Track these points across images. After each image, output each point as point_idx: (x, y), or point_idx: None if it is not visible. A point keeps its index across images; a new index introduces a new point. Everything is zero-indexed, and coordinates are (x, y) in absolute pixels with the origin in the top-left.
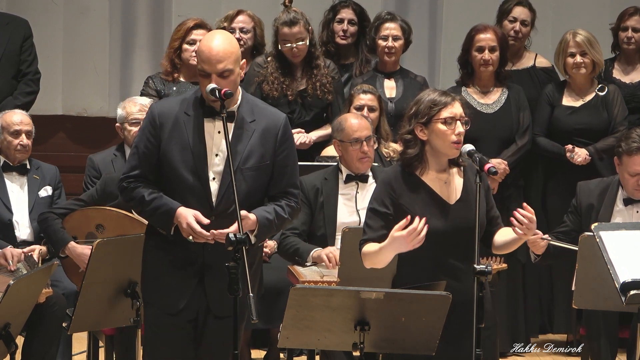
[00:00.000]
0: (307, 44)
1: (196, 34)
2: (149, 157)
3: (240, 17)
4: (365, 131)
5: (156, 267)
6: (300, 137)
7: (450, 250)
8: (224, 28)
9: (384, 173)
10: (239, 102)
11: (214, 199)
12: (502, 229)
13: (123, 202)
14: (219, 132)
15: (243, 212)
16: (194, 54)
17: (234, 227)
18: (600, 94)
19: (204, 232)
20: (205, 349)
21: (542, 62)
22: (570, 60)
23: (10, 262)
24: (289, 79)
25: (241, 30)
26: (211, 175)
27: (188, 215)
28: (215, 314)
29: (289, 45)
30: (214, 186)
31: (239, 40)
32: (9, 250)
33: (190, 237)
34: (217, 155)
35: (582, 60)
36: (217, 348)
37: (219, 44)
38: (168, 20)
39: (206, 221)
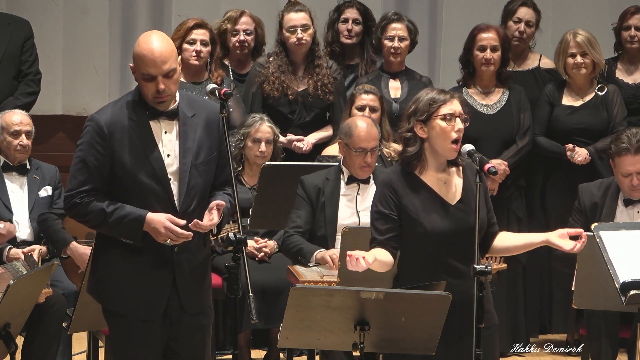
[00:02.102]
0: (312, 35)
1: (196, 34)
2: (101, 170)
3: (243, 19)
4: (372, 142)
5: (124, 279)
6: (300, 144)
7: (451, 251)
8: (225, 30)
9: (384, 174)
10: (178, 99)
11: (176, 200)
12: (502, 233)
13: (73, 219)
14: (166, 132)
15: (218, 202)
16: (194, 53)
17: (207, 218)
18: (600, 94)
19: (184, 232)
20: (179, 348)
21: (547, 63)
22: (570, 60)
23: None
24: (290, 78)
25: (245, 32)
26: (168, 176)
27: (163, 220)
28: (187, 311)
29: (294, 29)
30: (173, 186)
31: (243, 42)
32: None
33: (168, 241)
34: (168, 155)
35: (582, 61)
36: (191, 345)
37: (160, 45)
38: (168, 20)
39: (182, 222)
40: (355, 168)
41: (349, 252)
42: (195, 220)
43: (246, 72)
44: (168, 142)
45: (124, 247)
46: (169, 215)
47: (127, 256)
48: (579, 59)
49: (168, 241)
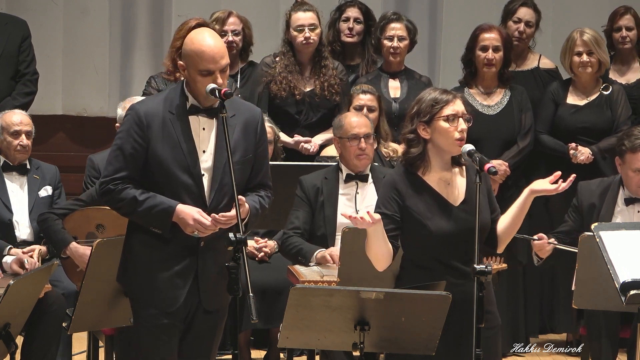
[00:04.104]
0: (319, 35)
1: None
2: (137, 159)
3: (231, 19)
4: (363, 128)
5: (149, 266)
6: (307, 145)
7: (454, 251)
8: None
9: (388, 175)
10: None
11: (207, 195)
12: (500, 218)
13: (105, 205)
14: (204, 129)
15: (242, 199)
16: None
17: (233, 211)
18: (605, 93)
19: (212, 225)
20: (189, 342)
21: (546, 63)
22: (576, 59)
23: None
24: (297, 78)
25: (233, 32)
26: (201, 172)
27: (193, 212)
28: (205, 308)
29: (302, 28)
30: (205, 182)
31: (231, 42)
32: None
33: (195, 232)
34: (204, 151)
35: (588, 60)
36: (200, 342)
37: (216, 42)
38: (168, 20)
39: (209, 218)
40: (352, 159)
41: (353, 216)
42: (212, 214)
43: (234, 72)
44: (205, 139)
45: (151, 236)
46: (198, 209)
47: (153, 245)
48: (584, 57)
49: (195, 232)
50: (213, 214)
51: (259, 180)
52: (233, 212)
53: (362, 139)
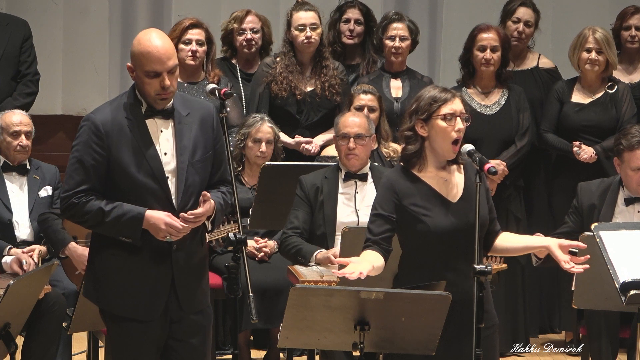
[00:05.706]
0: (320, 35)
1: (192, 34)
2: (98, 169)
3: (249, 18)
4: (355, 128)
5: (123, 278)
6: (308, 146)
7: (452, 249)
8: (232, 30)
9: (385, 177)
10: (172, 98)
11: (173, 198)
12: (504, 234)
13: (69, 220)
14: (162, 131)
15: (206, 194)
16: (190, 53)
17: (201, 209)
18: (610, 91)
19: (185, 225)
20: (179, 346)
21: (546, 62)
22: (585, 55)
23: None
24: (298, 78)
25: (252, 30)
26: (165, 174)
27: (163, 217)
28: (186, 310)
29: (303, 28)
30: (171, 185)
31: (250, 40)
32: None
33: (168, 237)
34: (165, 154)
35: (596, 58)
36: (190, 344)
37: (163, 43)
38: (168, 20)
39: (179, 221)
40: (342, 157)
41: (343, 272)
42: (181, 214)
43: (254, 71)
44: (165, 141)
45: (121, 247)
46: (168, 213)
47: (124, 256)
48: (593, 55)
49: (168, 237)
50: (182, 214)
51: (219, 176)
52: (199, 209)
53: (352, 139)
